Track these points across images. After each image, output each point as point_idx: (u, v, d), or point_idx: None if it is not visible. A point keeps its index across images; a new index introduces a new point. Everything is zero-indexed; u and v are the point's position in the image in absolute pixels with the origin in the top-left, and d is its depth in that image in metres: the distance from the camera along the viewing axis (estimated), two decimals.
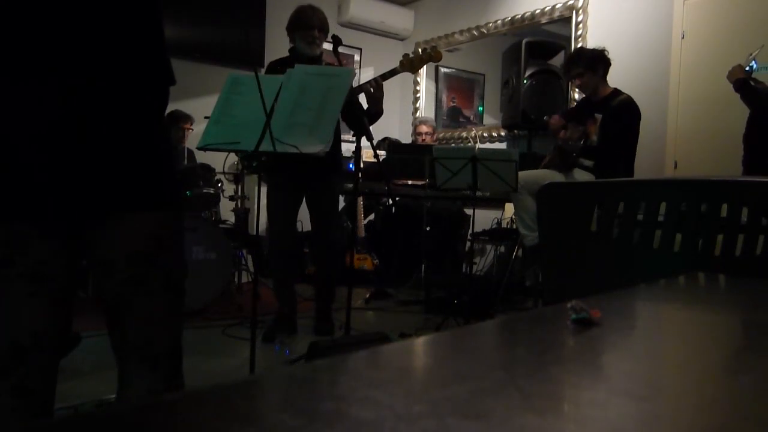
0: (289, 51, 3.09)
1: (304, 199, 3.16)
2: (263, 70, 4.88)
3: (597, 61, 3.35)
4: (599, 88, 3.40)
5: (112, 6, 1.00)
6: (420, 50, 3.00)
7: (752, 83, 2.97)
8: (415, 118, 5.32)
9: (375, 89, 2.86)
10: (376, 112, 2.97)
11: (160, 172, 1.08)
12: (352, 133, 2.76)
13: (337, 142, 3.08)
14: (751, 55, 3.02)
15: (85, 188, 0.98)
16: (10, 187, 0.95)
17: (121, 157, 1.01)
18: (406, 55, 2.93)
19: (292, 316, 3.18)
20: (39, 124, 0.95)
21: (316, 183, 3.06)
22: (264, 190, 4.64)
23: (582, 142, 3.33)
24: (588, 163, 3.36)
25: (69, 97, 0.96)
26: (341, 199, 4.95)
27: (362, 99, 2.98)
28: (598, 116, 3.35)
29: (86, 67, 0.97)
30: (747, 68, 2.99)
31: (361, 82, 2.94)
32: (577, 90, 4.43)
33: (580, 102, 3.69)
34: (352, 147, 2.80)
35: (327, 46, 2.97)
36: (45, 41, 0.95)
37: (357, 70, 5.61)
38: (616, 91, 3.39)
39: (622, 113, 3.29)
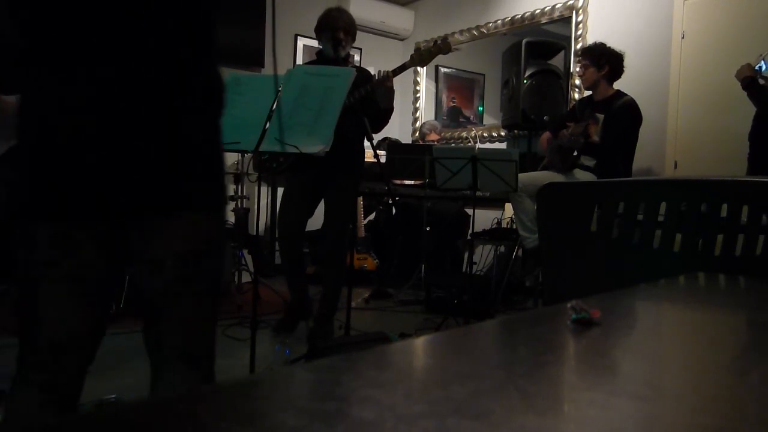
0: (317, 54, 3.08)
1: (321, 200, 3.13)
2: (263, 70, 4.93)
3: (606, 60, 3.38)
4: (598, 86, 3.42)
5: (169, 9, 0.99)
6: (431, 42, 2.96)
7: (760, 82, 2.98)
8: (423, 125, 5.30)
9: (378, 83, 2.84)
10: (386, 108, 2.97)
11: (212, 174, 1.08)
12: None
13: (360, 143, 3.06)
14: (761, 55, 3.04)
15: (136, 189, 0.98)
16: (59, 187, 0.95)
17: (173, 158, 1.00)
18: (417, 49, 2.90)
19: (302, 303, 3.17)
20: (89, 124, 0.94)
21: (337, 183, 3.03)
22: (264, 189, 4.63)
23: (583, 141, 3.33)
24: (589, 162, 3.36)
25: (120, 99, 0.95)
26: None
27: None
28: (600, 116, 3.36)
29: (139, 68, 0.96)
30: (756, 68, 3.01)
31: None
32: (577, 90, 4.44)
33: (581, 101, 3.68)
34: None
35: None
36: (97, 41, 0.94)
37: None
38: (619, 93, 3.40)
39: (625, 115, 3.30)
